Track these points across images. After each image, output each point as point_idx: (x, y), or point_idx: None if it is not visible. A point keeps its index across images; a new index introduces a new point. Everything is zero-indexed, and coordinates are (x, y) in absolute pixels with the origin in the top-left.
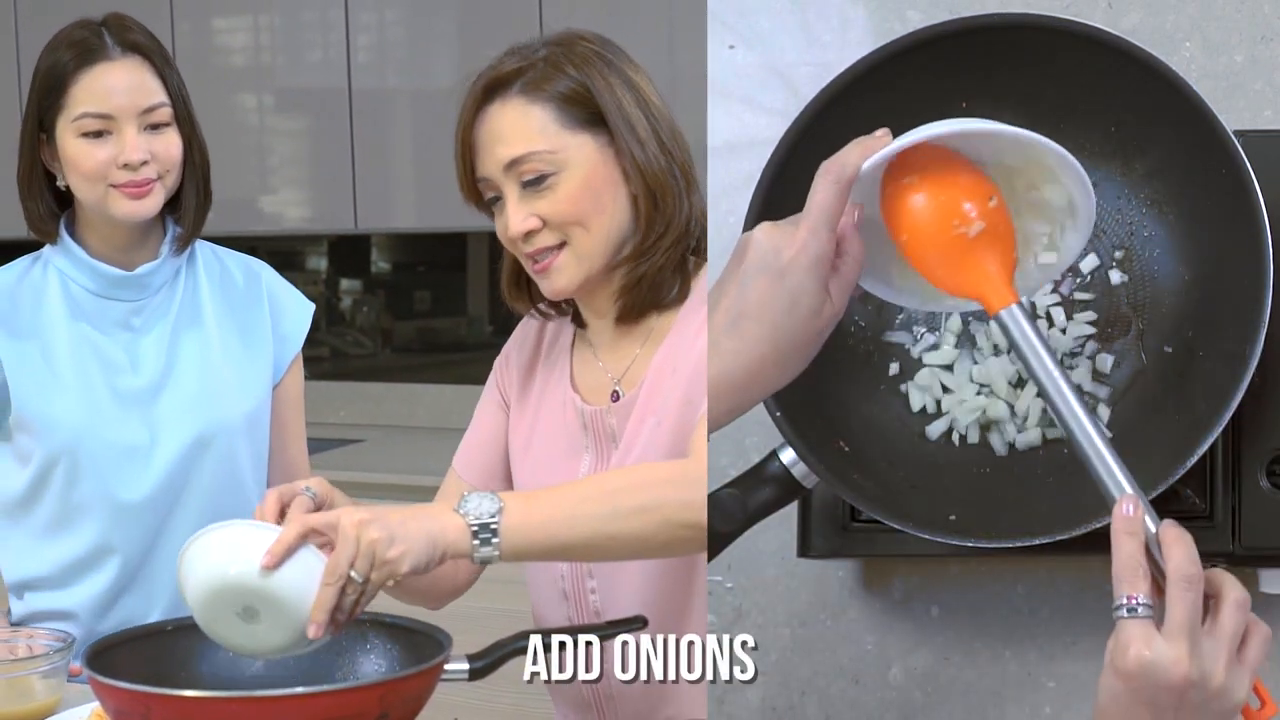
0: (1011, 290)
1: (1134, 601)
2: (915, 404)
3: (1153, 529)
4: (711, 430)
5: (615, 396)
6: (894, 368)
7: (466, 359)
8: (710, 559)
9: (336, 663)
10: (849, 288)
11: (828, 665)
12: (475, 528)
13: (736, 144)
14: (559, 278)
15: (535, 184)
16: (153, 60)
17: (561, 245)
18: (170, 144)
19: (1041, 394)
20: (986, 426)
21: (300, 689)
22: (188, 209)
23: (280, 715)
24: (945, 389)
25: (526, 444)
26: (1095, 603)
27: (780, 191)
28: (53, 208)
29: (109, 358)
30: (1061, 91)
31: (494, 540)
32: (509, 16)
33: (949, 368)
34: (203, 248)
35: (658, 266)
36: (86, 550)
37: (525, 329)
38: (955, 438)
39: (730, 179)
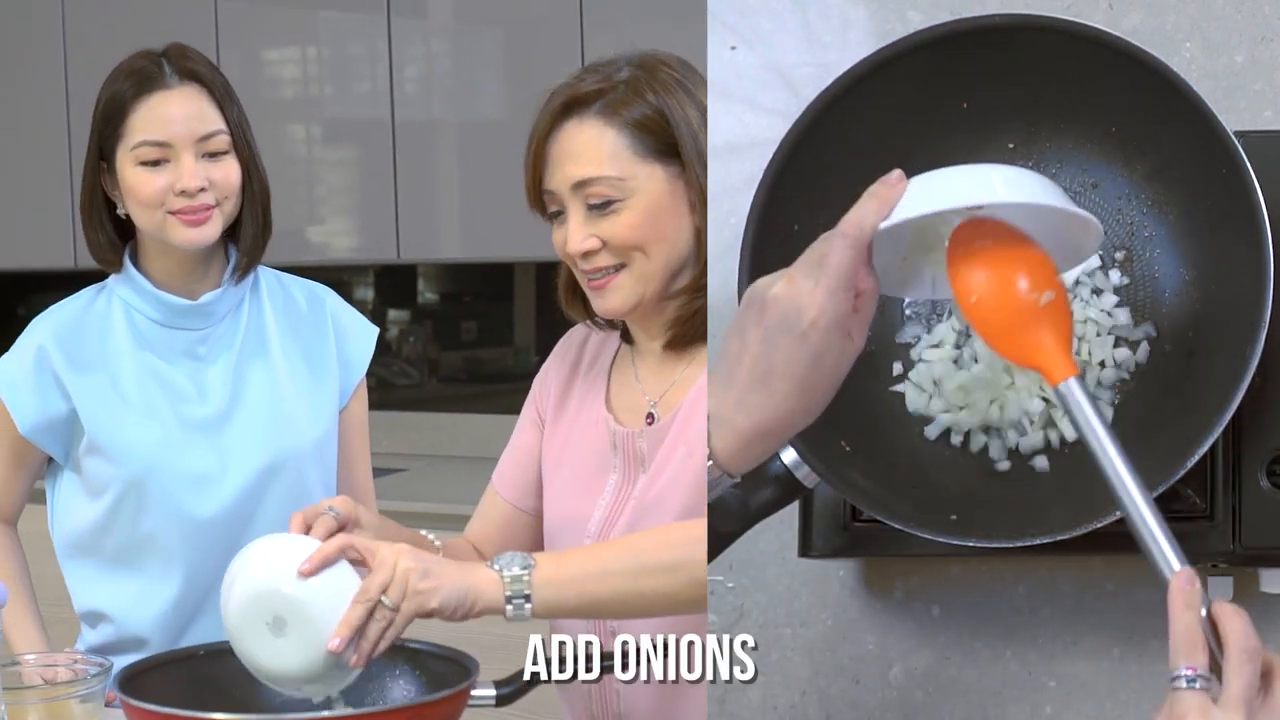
0: (1072, 362)
1: (1193, 673)
2: (911, 404)
3: (1203, 611)
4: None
5: (650, 419)
6: (896, 368)
7: (512, 389)
8: (711, 559)
9: (366, 688)
10: (868, 321)
11: (828, 665)
12: (508, 580)
13: (737, 144)
14: (613, 297)
15: (601, 207)
16: (211, 89)
17: (620, 267)
18: (229, 172)
19: (1096, 465)
20: (987, 428)
21: (326, 713)
22: (247, 236)
23: None
24: (945, 390)
25: (559, 460)
26: (1096, 602)
27: (781, 192)
28: (114, 238)
29: (176, 387)
30: (1062, 92)
31: (526, 593)
32: (553, 48)
33: (950, 368)
34: (266, 274)
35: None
36: (156, 579)
37: (567, 345)
38: (956, 439)
39: (731, 179)
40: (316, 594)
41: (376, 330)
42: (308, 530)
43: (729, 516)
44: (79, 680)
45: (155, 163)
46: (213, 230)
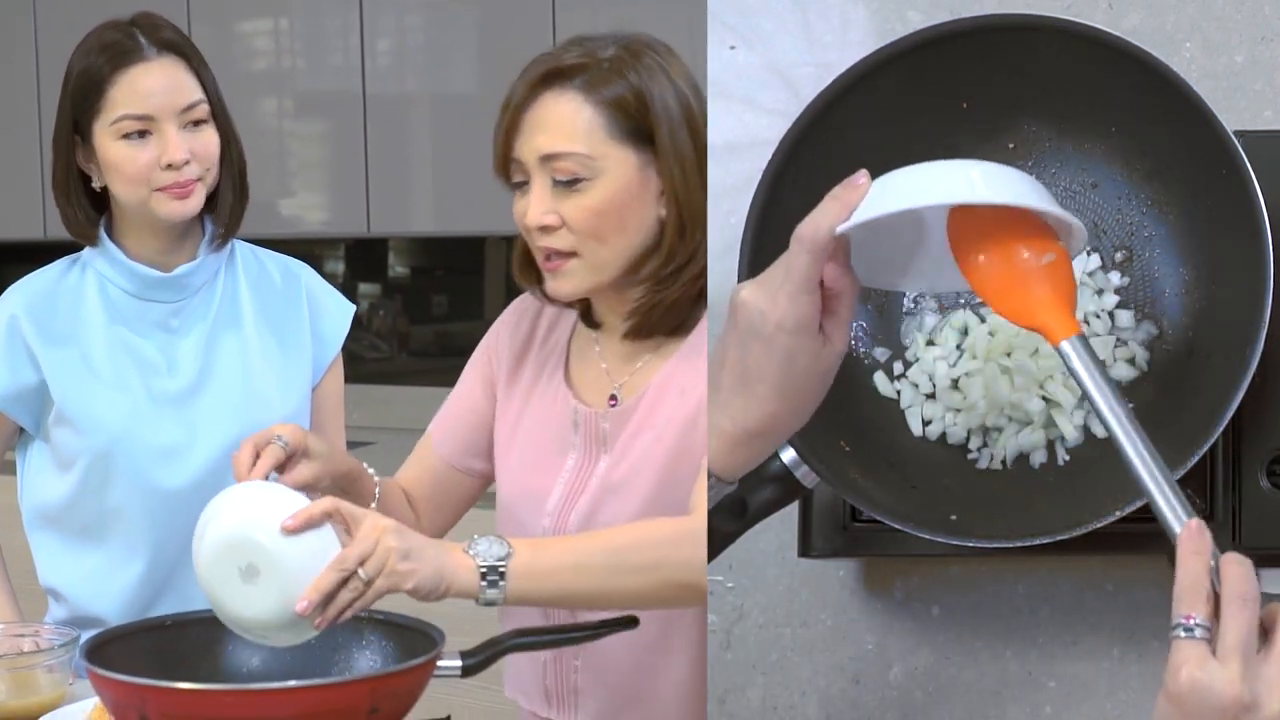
0: (1074, 321)
1: (1191, 621)
2: (910, 404)
3: (1212, 562)
4: (740, 476)
5: (613, 400)
6: (895, 367)
7: None
8: (711, 559)
9: (332, 658)
10: (848, 321)
11: (828, 665)
12: (484, 569)
13: (737, 144)
14: (564, 282)
15: (566, 185)
16: (189, 59)
17: (574, 254)
18: (209, 142)
19: (1101, 422)
20: (986, 428)
21: (293, 682)
22: (225, 206)
23: (272, 708)
24: (944, 389)
25: (512, 434)
26: (1096, 602)
27: (781, 192)
28: (90, 212)
29: (146, 359)
30: (1062, 92)
31: (501, 584)
32: (526, 21)
33: (949, 367)
34: (242, 248)
35: (673, 297)
36: (122, 553)
37: (520, 311)
38: (955, 438)
39: (731, 179)
40: (293, 550)
41: (353, 308)
42: (256, 458)
43: (728, 516)
44: (45, 650)
45: (140, 134)
46: (197, 202)
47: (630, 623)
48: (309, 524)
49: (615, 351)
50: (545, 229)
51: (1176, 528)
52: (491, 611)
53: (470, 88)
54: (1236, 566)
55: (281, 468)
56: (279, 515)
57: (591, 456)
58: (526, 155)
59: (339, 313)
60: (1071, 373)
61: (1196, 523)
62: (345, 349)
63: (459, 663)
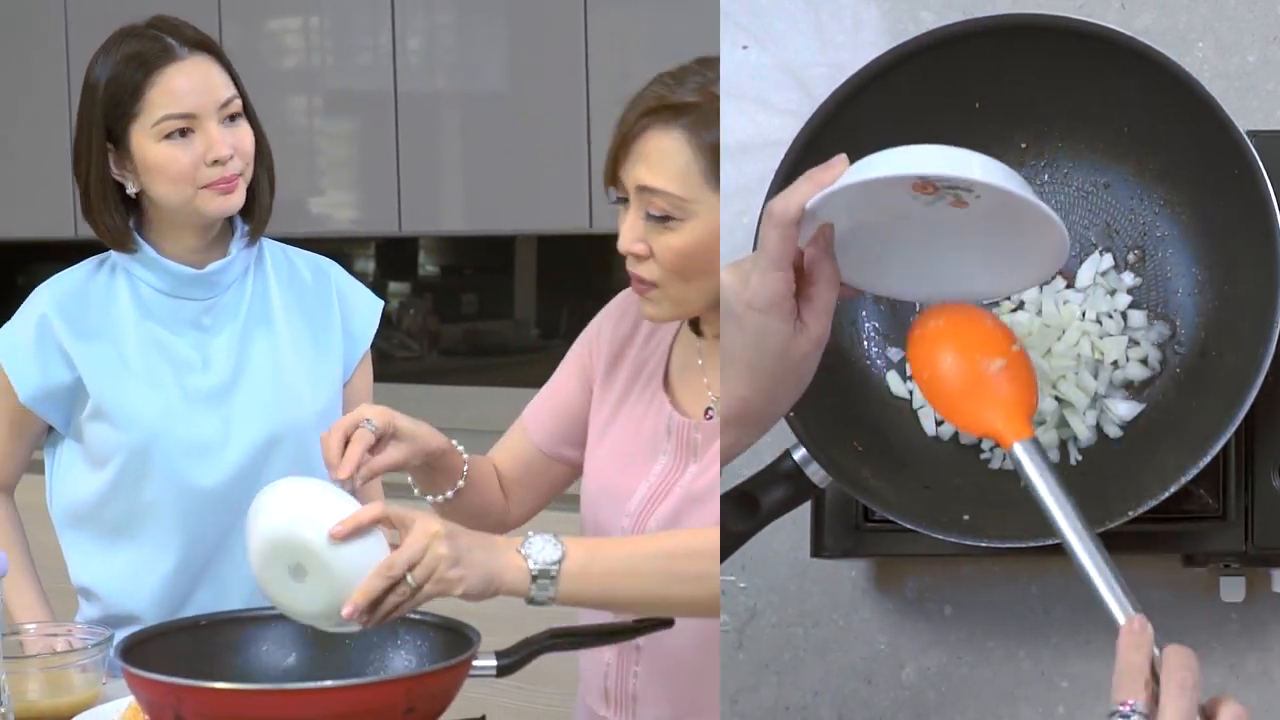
0: (1028, 425)
1: (1128, 707)
2: (919, 403)
3: (1156, 652)
4: (724, 463)
5: (709, 414)
6: (908, 368)
7: (513, 362)
8: (723, 559)
9: (367, 658)
10: (826, 309)
11: (840, 665)
12: (535, 573)
13: (750, 144)
14: (650, 308)
15: (659, 220)
16: (218, 56)
17: (657, 285)
18: (245, 137)
19: (1048, 520)
20: None
21: (328, 683)
22: (257, 203)
23: (307, 708)
24: None
25: (605, 429)
26: None
27: None
28: (125, 219)
29: (180, 357)
30: (1074, 92)
31: (551, 587)
32: (557, 20)
33: None
34: (270, 246)
35: None
36: (155, 550)
37: (624, 306)
38: (967, 438)
39: (743, 179)
40: (342, 554)
41: (382, 304)
42: (346, 444)
43: (740, 516)
44: (78, 650)
45: (181, 133)
46: (240, 198)
47: (665, 624)
48: (357, 531)
49: (716, 361)
50: (635, 256)
51: (1120, 620)
52: (529, 612)
53: (501, 86)
54: (1178, 656)
55: (370, 450)
56: (328, 519)
57: (680, 464)
58: (627, 180)
59: (369, 309)
60: (1022, 475)
61: (1139, 619)
62: (376, 348)
63: (494, 662)
